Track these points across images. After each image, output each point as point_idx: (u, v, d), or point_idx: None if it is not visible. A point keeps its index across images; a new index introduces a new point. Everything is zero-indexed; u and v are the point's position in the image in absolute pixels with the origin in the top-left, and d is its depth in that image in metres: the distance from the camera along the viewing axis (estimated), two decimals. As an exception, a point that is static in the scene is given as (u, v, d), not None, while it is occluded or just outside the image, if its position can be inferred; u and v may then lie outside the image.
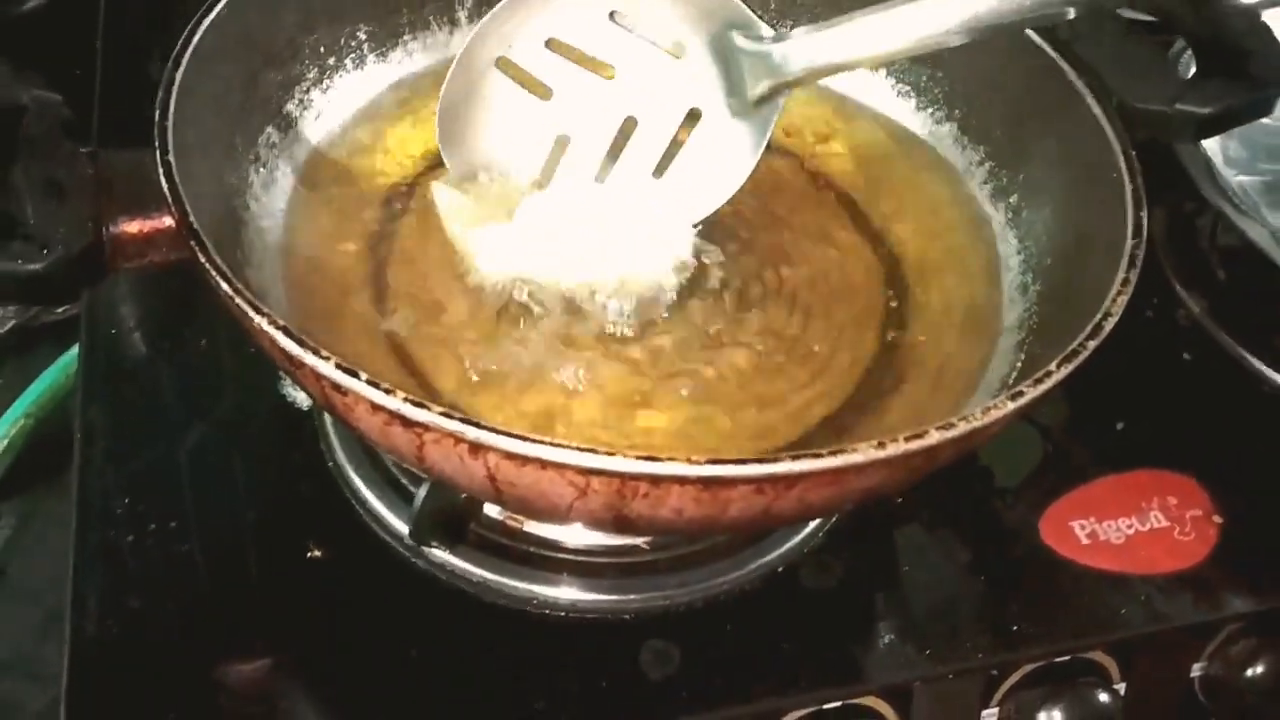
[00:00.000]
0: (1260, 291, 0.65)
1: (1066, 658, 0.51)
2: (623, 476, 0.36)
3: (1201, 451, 0.58)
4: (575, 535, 0.52)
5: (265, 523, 0.52)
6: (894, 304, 0.54)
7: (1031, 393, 0.39)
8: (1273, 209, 0.63)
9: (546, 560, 0.51)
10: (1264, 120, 0.62)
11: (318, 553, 0.52)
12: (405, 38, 0.59)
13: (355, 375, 0.37)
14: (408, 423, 0.37)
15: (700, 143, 0.54)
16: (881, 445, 0.37)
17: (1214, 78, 0.51)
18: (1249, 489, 0.57)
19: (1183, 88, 0.51)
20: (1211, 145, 0.64)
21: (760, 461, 0.36)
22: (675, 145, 0.54)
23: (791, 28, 0.55)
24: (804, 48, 0.51)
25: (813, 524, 0.53)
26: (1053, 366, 0.40)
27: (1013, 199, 0.55)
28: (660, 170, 0.54)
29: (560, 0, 0.51)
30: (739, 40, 0.52)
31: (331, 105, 0.56)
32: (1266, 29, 0.51)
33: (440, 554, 0.51)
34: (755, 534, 0.51)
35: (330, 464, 0.54)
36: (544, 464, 0.36)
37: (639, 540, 0.51)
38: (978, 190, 0.57)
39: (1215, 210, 0.62)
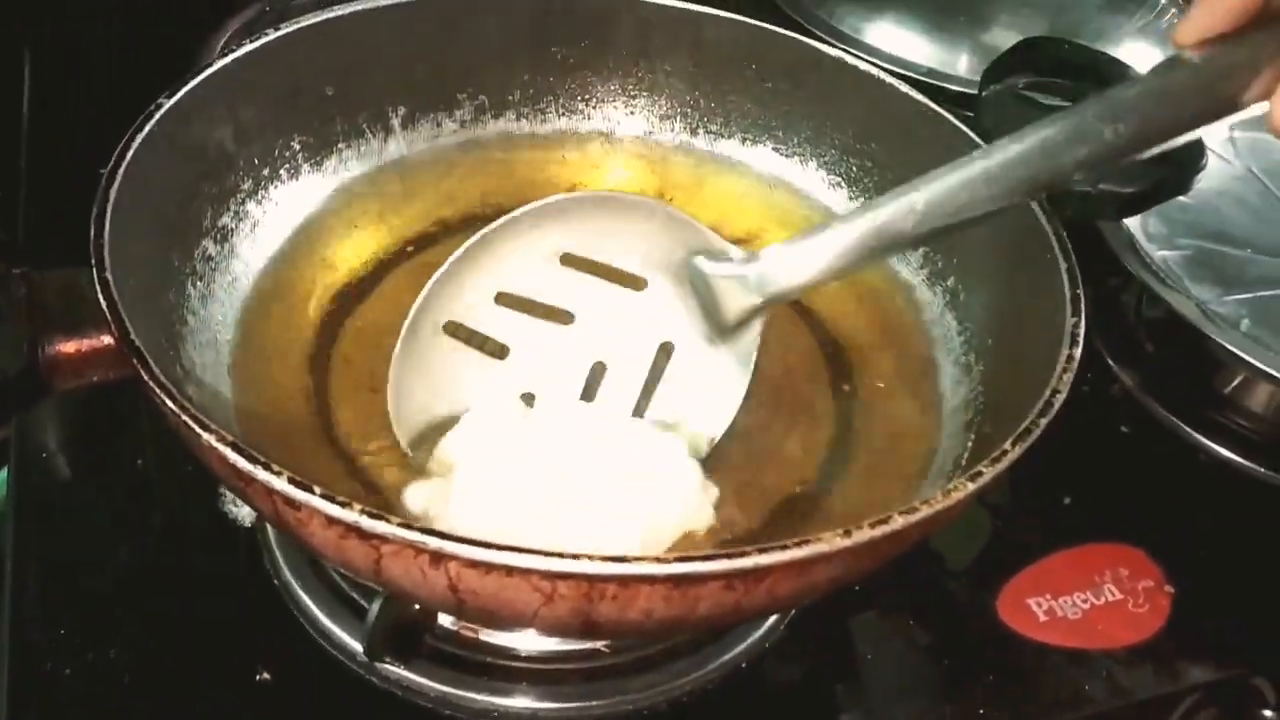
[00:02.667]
0: (1188, 363, 0.66)
1: (1034, 740, 0.51)
2: (590, 579, 0.36)
3: (1147, 523, 0.59)
4: (533, 642, 0.51)
5: (210, 647, 0.51)
6: (843, 389, 0.54)
7: (990, 472, 0.40)
8: (1195, 282, 0.65)
9: (505, 670, 0.50)
10: (1180, 198, 0.66)
11: (266, 675, 0.50)
12: (339, 145, 0.58)
13: (309, 489, 0.36)
14: (365, 535, 0.36)
15: (679, 376, 0.51)
16: (847, 533, 0.37)
17: (1134, 159, 0.52)
18: (1196, 558, 0.58)
19: (1103, 170, 0.52)
20: (1132, 223, 0.67)
21: (729, 556, 0.35)
22: (652, 383, 0.51)
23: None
24: (781, 265, 0.47)
25: (773, 617, 0.52)
26: (1007, 445, 0.41)
27: (949, 281, 0.56)
28: (640, 409, 0.51)
29: (505, 251, 0.48)
30: (705, 265, 0.49)
31: (268, 216, 0.55)
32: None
33: (396, 669, 0.49)
34: (717, 631, 0.51)
35: (276, 581, 0.52)
36: (509, 570, 0.36)
37: (599, 644, 0.50)
38: (914, 275, 0.58)
39: (1140, 284, 0.63)
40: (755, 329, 0.49)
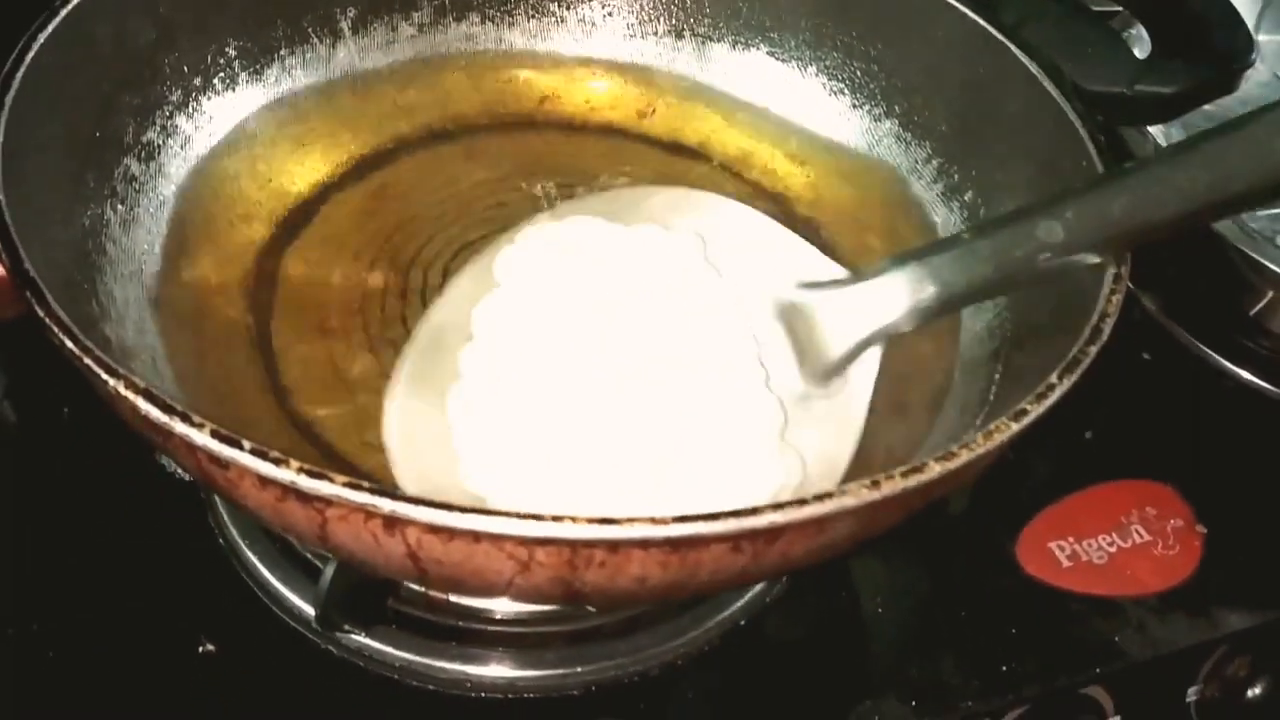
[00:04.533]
0: (1215, 284, 0.62)
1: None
2: (574, 544, 0.30)
3: (1175, 457, 0.55)
4: (509, 604, 0.45)
5: (146, 617, 0.45)
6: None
7: (1035, 409, 0.34)
8: (1226, 198, 0.60)
9: (479, 635, 0.45)
10: (1206, 108, 0.60)
11: (210, 646, 0.45)
12: (281, 52, 0.52)
13: (236, 444, 0.31)
14: (306, 497, 0.31)
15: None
16: (875, 484, 0.31)
17: (1173, 56, 0.47)
18: (1228, 494, 0.54)
19: (1141, 68, 0.47)
20: (1155, 134, 0.61)
21: (737, 514, 0.30)
22: None
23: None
24: (908, 282, 0.39)
25: (775, 570, 0.47)
26: (1054, 378, 0.35)
27: (967, 196, 0.50)
28: None
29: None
30: (800, 294, 0.42)
31: (200, 131, 0.49)
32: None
33: (356, 638, 0.44)
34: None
35: (221, 541, 0.47)
36: (477, 536, 0.30)
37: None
38: (926, 191, 0.52)
39: None
40: (870, 367, 0.41)
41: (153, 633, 0.45)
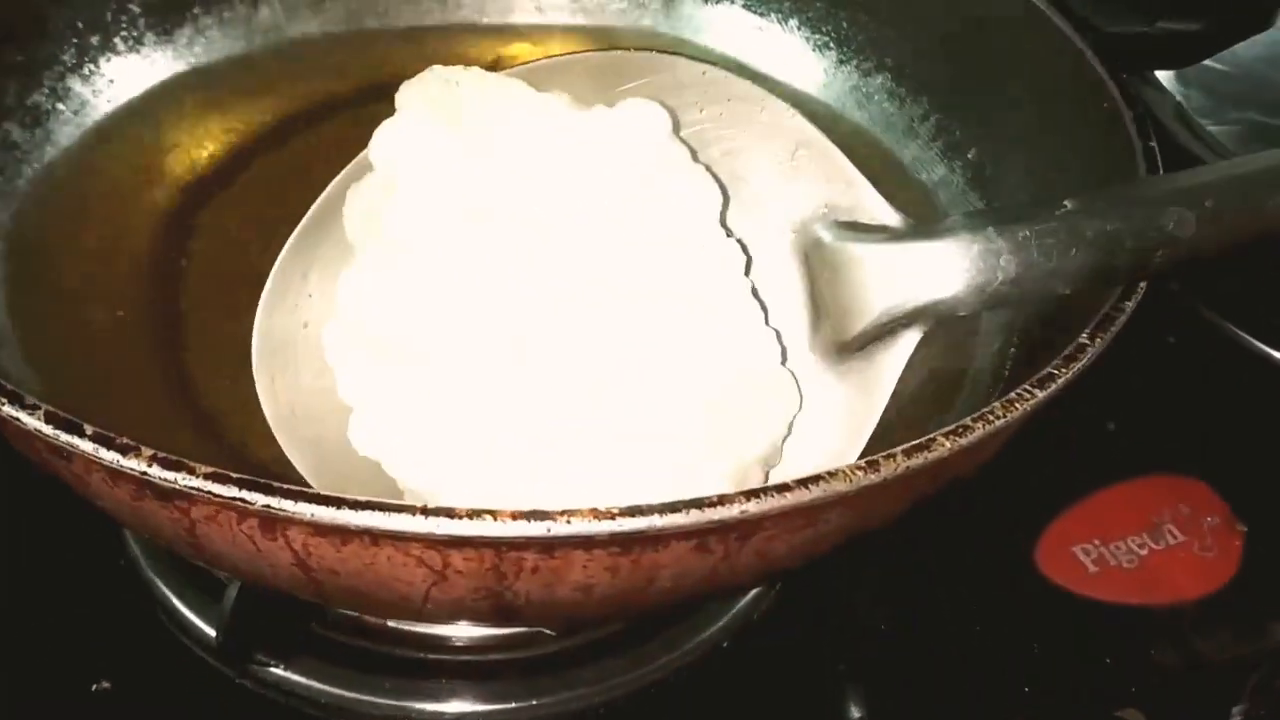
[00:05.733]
0: (1249, 259, 0.56)
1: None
2: (498, 545, 0.24)
3: (1208, 449, 0.51)
4: (453, 627, 0.40)
5: (33, 649, 0.40)
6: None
7: (1064, 374, 0.29)
8: (1258, 161, 0.55)
9: (422, 664, 0.41)
10: (1218, 66, 0.56)
11: (106, 684, 0.39)
12: (194, 11, 0.47)
13: (76, 430, 0.25)
14: (165, 494, 0.25)
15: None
16: (872, 466, 0.25)
17: (1199, -11, 0.42)
18: (1269, 486, 0.50)
19: (1163, 3, 0.41)
20: (1175, 95, 0.57)
21: (700, 504, 0.24)
22: None
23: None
24: (983, 252, 0.32)
25: (761, 580, 0.42)
26: (1084, 337, 0.30)
27: (971, 154, 0.45)
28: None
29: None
30: (832, 233, 0.34)
31: (100, 96, 0.44)
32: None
33: (276, 670, 0.38)
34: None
35: (121, 561, 0.41)
36: (375, 538, 0.24)
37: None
38: (924, 151, 0.46)
39: (1193, 163, 0.53)
40: (901, 349, 0.34)
41: (39, 668, 0.39)
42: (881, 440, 0.35)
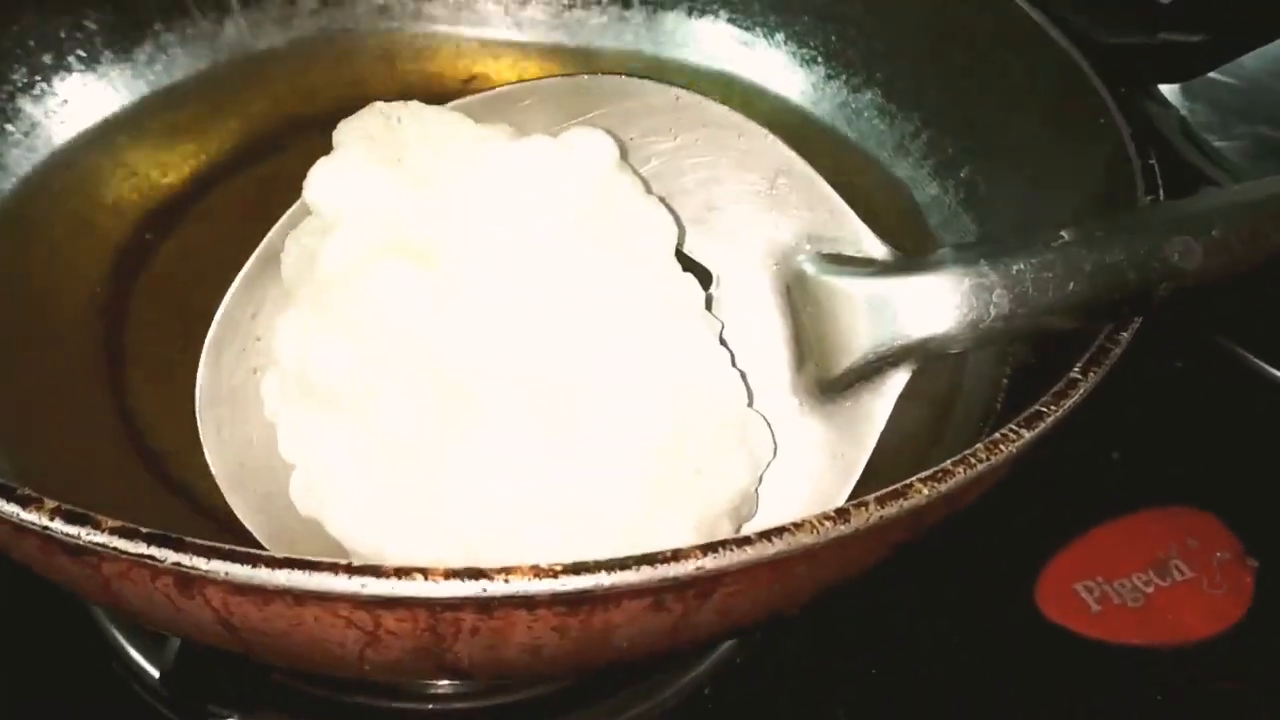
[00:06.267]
0: (1260, 280, 0.54)
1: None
2: (431, 606, 0.22)
3: (1217, 480, 0.49)
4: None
5: None
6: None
7: (1054, 412, 0.27)
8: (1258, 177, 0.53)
9: (386, 713, 0.39)
10: (1224, 79, 0.54)
11: (55, 733, 0.37)
12: (155, 27, 0.46)
13: (-26, 479, 0.23)
14: (72, 549, 0.23)
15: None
16: (841, 515, 0.23)
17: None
18: None
19: (1165, 14, 0.40)
20: (1179, 109, 0.55)
21: (651, 559, 0.22)
22: None
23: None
24: (974, 287, 0.30)
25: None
26: (1076, 372, 0.28)
27: (963, 173, 0.44)
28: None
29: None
30: (817, 267, 0.33)
31: (52, 118, 0.43)
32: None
33: (231, 721, 0.36)
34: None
35: (75, 603, 0.39)
36: (300, 598, 0.22)
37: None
38: (915, 170, 0.45)
39: (1198, 178, 0.52)
40: (891, 389, 0.32)
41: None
42: (867, 482, 0.33)
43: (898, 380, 0.32)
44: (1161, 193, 0.34)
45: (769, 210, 0.35)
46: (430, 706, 0.39)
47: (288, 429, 0.29)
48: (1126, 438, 0.50)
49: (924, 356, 0.31)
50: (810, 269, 0.33)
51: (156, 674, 0.37)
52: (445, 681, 0.38)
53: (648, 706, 0.39)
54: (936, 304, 0.30)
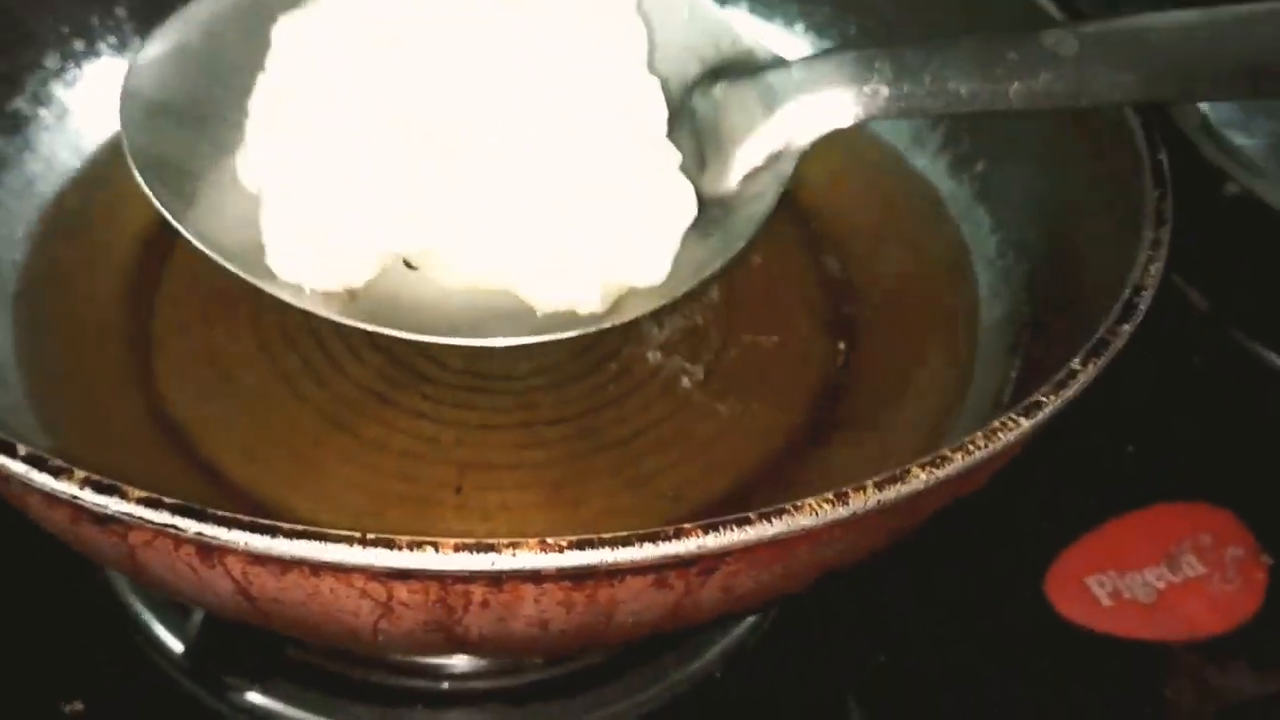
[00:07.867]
0: (1275, 276, 0.55)
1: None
2: (443, 579, 0.23)
3: (1232, 475, 0.49)
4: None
5: (3, 669, 0.38)
6: (842, 311, 0.42)
7: (1052, 401, 0.27)
8: (1281, 177, 0.53)
9: (400, 691, 0.39)
10: None
11: (79, 705, 0.38)
12: None
13: (10, 451, 0.24)
14: (100, 518, 0.24)
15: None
16: (841, 498, 0.24)
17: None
18: None
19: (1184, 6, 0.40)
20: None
21: (654, 537, 0.23)
22: None
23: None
24: (855, 73, 0.33)
25: (755, 609, 0.40)
26: (1076, 363, 0.28)
27: (979, 166, 0.44)
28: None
29: None
30: (713, 72, 0.36)
31: (82, 103, 0.43)
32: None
33: (251, 695, 0.37)
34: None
35: (97, 578, 0.40)
36: (315, 569, 0.23)
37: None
38: (931, 163, 0.45)
39: (1219, 177, 0.52)
40: (767, 195, 0.35)
41: (8, 688, 0.38)
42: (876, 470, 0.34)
43: (783, 172, 0.34)
44: (1169, 185, 0.35)
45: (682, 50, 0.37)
46: (444, 685, 0.40)
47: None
48: (1143, 432, 0.50)
49: (814, 128, 0.34)
50: (710, 81, 0.36)
51: (180, 648, 0.39)
52: (458, 659, 0.39)
53: (658, 689, 0.40)
54: (820, 76, 0.33)
